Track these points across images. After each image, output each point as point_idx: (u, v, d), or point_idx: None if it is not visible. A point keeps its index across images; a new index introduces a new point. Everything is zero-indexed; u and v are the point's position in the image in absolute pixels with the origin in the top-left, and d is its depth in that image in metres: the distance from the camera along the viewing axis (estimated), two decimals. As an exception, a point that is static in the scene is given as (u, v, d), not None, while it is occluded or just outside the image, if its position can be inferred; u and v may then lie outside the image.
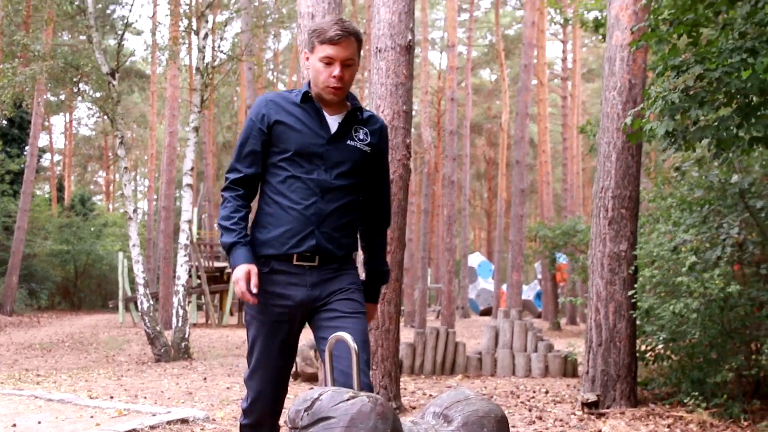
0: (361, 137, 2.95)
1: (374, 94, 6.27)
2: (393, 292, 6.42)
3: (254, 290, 2.74)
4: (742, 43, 4.07)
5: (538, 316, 28.15)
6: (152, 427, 5.78)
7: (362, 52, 3.12)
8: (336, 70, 2.83)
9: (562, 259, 22.31)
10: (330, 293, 2.86)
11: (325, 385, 1.92)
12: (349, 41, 2.83)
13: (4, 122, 31.83)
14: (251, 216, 2.98)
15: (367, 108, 3.34)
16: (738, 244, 6.32)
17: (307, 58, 2.93)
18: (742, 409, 6.03)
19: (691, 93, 4.10)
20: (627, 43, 6.81)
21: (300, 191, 2.88)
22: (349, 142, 2.93)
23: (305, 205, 2.86)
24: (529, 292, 30.30)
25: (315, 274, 2.87)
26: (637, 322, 6.80)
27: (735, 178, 6.34)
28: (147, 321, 12.77)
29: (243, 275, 2.77)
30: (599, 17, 9.95)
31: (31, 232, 29.52)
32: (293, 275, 2.87)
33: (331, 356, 2.05)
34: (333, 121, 2.94)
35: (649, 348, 7.14)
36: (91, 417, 6.40)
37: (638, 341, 6.98)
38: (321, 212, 2.85)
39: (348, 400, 1.79)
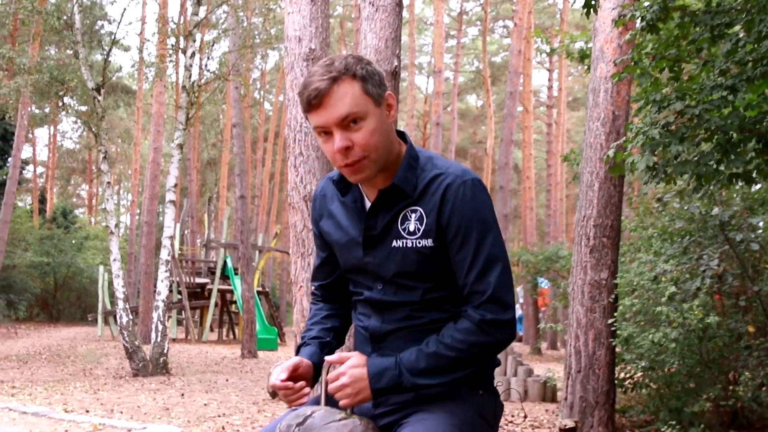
0: (412, 228, 1.89)
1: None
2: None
3: (282, 376, 1.92)
4: (722, 80, 4.14)
5: (519, 340, 28.15)
6: (128, 444, 5.74)
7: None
8: (336, 141, 1.83)
9: (544, 284, 22.37)
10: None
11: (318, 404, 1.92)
12: (337, 90, 1.81)
13: (-12, 133, 31.69)
14: None
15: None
16: (717, 276, 6.38)
17: None
18: (718, 439, 6.06)
19: (672, 129, 4.16)
20: (611, 75, 6.90)
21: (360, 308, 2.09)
22: (394, 243, 1.91)
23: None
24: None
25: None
26: (617, 350, 6.84)
27: (716, 210, 6.41)
28: (126, 335, 12.70)
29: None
30: (584, 48, 10.05)
31: (12, 243, 29.24)
32: None
33: (326, 383, 1.98)
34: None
35: (627, 376, 7.17)
36: (66, 431, 6.35)
37: (617, 369, 7.02)
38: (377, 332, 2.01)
39: (340, 420, 1.78)
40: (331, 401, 1.93)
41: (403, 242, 1.89)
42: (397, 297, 1.94)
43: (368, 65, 1.87)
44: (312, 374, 1.99)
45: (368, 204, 1.96)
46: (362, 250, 1.95)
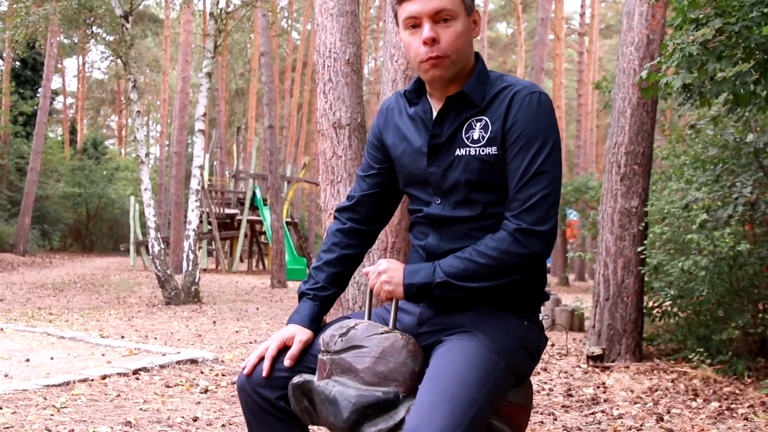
0: (476, 137, 1.88)
1: (389, 43, 6.20)
2: (402, 240, 6.43)
3: (286, 363, 1.92)
4: (764, -2, 4.01)
5: (548, 271, 28.29)
6: (162, 366, 5.88)
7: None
8: (425, 31, 1.83)
9: (572, 215, 22.32)
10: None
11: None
12: None
13: (17, 63, 31.76)
14: None
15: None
16: (750, 204, 6.29)
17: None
18: (747, 366, 6.08)
19: (710, 46, 4.05)
20: (647, -3, 6.72)
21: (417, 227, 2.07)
22: (458, 151, 1.90)
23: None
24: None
25: None
26: (645, 278, 6.82)
27: (750, 137, 6.30)
28: (158, 264, 12.90)
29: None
30: (620, -30, 9.78)
31: (44, 174, 29.70)
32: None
33: (370, 293, 2.02)
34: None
35: (656, 304, 7.17)
36: (102, 355, 6.51)
37: (645, 297, 7.02)
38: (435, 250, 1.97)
39: (382, 333, 1.82)
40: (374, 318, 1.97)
41: (466, 150, 1.88)
42: (456, 212, 1.92)
43: None
44: (307, 340, 1.98)
45: (435, 115, 1.95)
46: (426, 159, 1.94)
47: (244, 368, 1.94)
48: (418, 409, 1.64)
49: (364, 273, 1.95)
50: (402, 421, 1.70)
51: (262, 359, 1.94)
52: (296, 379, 1.85)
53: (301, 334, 1.96)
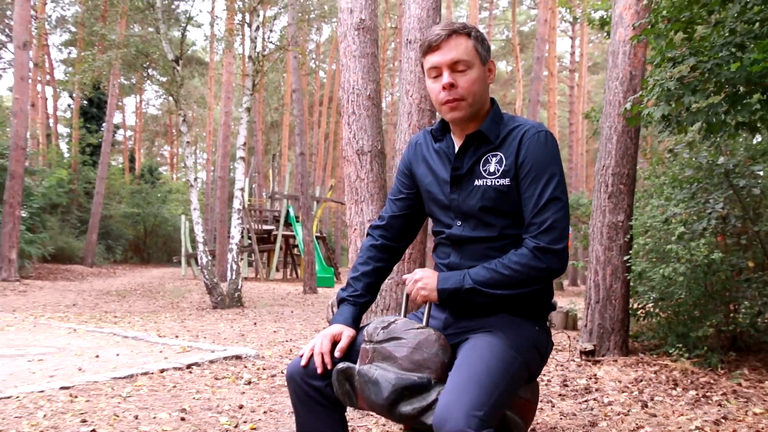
0: (492, 169, 1.92)
1: (404, 80, 6.25)
2: (418, 252, 6.45)
3: (337, 354, 1.95)
4: (732, 38, 4.01)
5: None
6: (211, 361, 5.91)
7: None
8: (444, 78, 1.90)
9: (565, 229, 22.14)
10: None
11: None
12: (456, 39, 1.91)
13: (85, 102, 32.23)
14: None
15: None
16: (722, 218, 6.27)
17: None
18: (720, 359, 6.03)
19: (685, 82, 4.06)
20: (629, 39, 6.73)
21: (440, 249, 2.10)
22: (476, 182, 1.94)
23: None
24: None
25: None
26: (631, 283, 6.79)
27: (721, 159, 6.28)
28: (206, 274, 12.96)
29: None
30: (605, 16, 9.84)
31: (108, 197, 30.00)
32: None
33: (407, 297, 2.08)
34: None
35: (640, 306, 7.13)
36: (160, 352, 6.56)
37: (631, 300, 6.98)
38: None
39: (418, 329, 1.87)
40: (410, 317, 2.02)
41: (483, 181, 1.93)
42: (475, 233, 1.96)
43: (482, 34, 1.97)
44: (353, 336, 2.01)
45: (456, 150, 2.00)
46: (450, 187, 1.99)
47: (300, 356, 1.96)
48: (449, 391, 1.68)
49: (402, 279, 2.01)
50: (433, 402, 1.74)
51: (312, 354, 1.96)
52: (340, 365, 1.88)
53: (347, 331, 2.00)
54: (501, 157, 1.92)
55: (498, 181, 1.91)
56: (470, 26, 1.96)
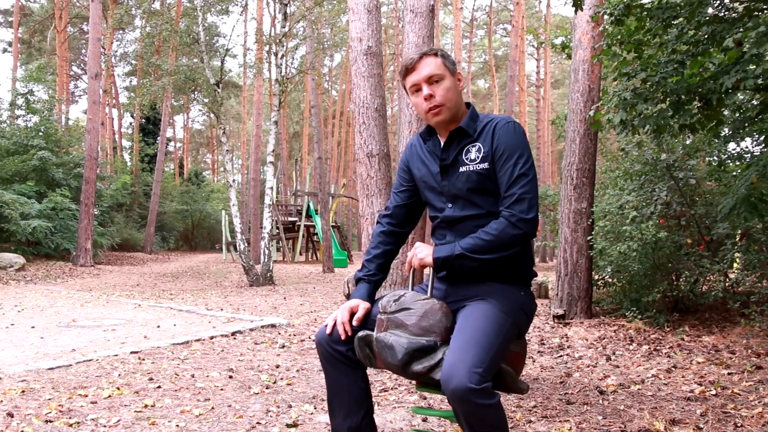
0: (473, 157, 1.92)
1: (404, 95, 6.21)
2: (419, 237, 6.42)
3: (354, 323, 1.92)
4: (673, 57, 3.98)
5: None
6: (251, 329, 5.91)
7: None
8: (424, 91, 1.93)
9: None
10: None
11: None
12: (426, 60, 1.94)
13: (143, 120, 32.23)
14: None
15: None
16: (665, 204, 6.22)
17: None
18: (666, 319, 6.00)
19: (638, 92, 4.02)
20: (588, 58, 6.67)
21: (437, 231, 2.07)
22: (461, 168, 1.93)
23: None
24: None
25: None
26: (593, 259, 6.76)
27: (664, 156, 6.24)
28: (243, 258, 12.97)
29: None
30: (564, 41, 9.80)
31: (162, 197, 29.98)
32: None
33: (413, 273, 2.07)
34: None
35: (601, 277, 7.10)
36: (209, 322, 6.56)
37: (593, 272, 6.95)
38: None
39: (424, 300, 1.84)
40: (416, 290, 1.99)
41: (467, 167, 1.92)
42: (464, 212, 1.94)
43: (446, 52, 2.00)
44: (368, 308, 1.97)
45: (442, 145, 2.00)
46: (440, 176, 1.98)
47: (325, 326, 1.93)
48: (452, 351, 1.65)
49: (404, 257, 1.99)
50: (440, 360, 1.72)
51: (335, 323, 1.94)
52: (360, 333, 1.85)
53: (363, 305, 1.97)
54: (479, 146, 1.91)
55: (479, 166, 1.90)
56: (436, 48, 1.99)
